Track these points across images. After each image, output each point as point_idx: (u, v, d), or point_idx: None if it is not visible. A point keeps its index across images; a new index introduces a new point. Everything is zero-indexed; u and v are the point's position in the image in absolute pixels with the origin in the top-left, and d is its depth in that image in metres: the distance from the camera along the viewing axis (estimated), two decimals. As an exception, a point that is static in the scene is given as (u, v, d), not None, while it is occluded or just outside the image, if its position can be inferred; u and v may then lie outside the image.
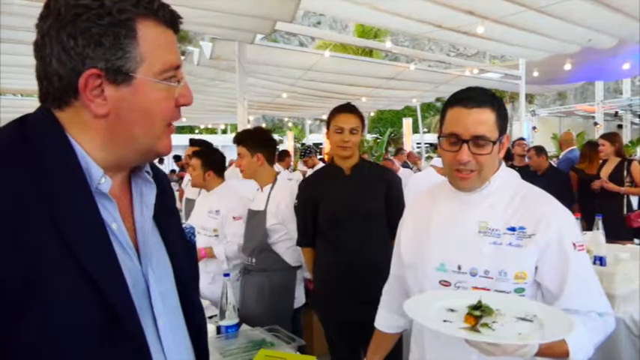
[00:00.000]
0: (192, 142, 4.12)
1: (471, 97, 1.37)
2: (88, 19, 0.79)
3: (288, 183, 3.10)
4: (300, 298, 2.95)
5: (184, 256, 1.02)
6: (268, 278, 2.86)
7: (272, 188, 2.92)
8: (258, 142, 2.94)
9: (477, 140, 1.34)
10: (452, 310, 1.22)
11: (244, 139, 2.97)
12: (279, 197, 2.87)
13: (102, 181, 0.84)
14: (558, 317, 1.17)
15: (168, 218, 1.02)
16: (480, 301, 1.20)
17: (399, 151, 11.03)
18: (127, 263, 0.85)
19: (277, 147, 3.11)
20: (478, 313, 1.17)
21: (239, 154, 2.98)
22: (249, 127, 4.40)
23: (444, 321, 1.17)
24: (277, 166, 7.66)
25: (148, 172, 0.96)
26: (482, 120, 1.35)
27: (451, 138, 1.37)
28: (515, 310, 1.20)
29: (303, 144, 19.04)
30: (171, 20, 0.88)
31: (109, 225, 0.84)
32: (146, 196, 0.95)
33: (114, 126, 0.84)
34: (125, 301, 0.81)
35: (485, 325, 1.15)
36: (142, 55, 0.83)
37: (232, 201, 3.17)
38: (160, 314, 0.89)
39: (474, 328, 1.14)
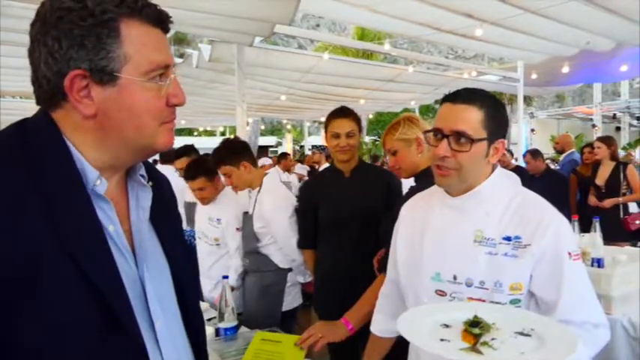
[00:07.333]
0: (179, 153, 4.00)
1: (461, 94, 1.36)
2: (70, 21, 0.79)
3: (274, 185, 2.98)
4: (291, 302, 2.90)
5: (183, 259, 1.02)
6: (260, 279, 2.87)
7: (259, 192, 2.87)
8: (238, 151, 2.84)
9: (457, 136, 1.32)
10: (446, 326, 1.14)
11: (225, 155, 2.81)
12: (263, 200, 2.82)
13: (97, 183, 0.84)
14: (558, 332, 1.10)
15: (166, 221, 1.01)
16: (476, 316, 1.13)
17: None
18: (123, 266, 0.84)
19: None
20: (477, 331, 1.09)
21: (225, 175, 2.84)
22: (247, 129, 4.39)
23: (442, 340, 1.09)
24: (277, 169, 7.68)
25: (142, 176, 0.95)
26: (465, 117, 1.33)
27: (436, 133, 1.37)
28: (512, 324, 1.13)
29: (301, 146, 19.05)
30: (159, 19, 0.87)
31: (106, 227, 0.84)
32: (142, 198, 0.94)
33: (104, 126, 0.84)
34: (124, 304, 0.81)
35: (486, 343, 1.06)
36: (127, 55, 0.82)
37: (233, 211, 3.02)
38: (158, 317, 0.89)
39: (474, 348, 1.05)
